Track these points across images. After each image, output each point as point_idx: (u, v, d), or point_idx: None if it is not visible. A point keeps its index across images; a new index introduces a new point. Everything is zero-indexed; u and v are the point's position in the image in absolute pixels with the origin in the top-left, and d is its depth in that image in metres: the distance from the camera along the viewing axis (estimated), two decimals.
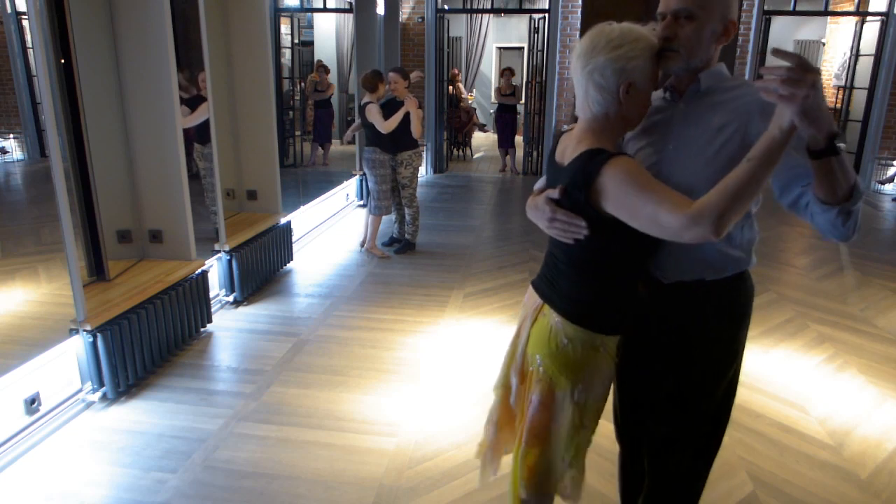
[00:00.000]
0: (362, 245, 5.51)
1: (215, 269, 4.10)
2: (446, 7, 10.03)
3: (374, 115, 5.05)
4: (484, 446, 1.80)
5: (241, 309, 4.18)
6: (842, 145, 1.26)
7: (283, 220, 4.87)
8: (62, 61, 2.97)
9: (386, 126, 5.03)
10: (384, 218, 5.59)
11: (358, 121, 5.51)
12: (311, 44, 10.76)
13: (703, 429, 1.67)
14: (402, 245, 5.50)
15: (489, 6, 10.98)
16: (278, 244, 4.75)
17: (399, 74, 5.15)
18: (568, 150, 1.51)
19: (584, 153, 1.43)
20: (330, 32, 10.82)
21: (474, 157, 11.50)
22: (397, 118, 5.06)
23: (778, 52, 1.24)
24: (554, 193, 1.47)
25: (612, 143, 1.49)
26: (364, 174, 5.54)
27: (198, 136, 3.97)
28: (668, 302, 1.58)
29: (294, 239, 5.15)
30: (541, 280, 1.66)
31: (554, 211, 1.47)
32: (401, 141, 5.18)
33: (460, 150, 11.42)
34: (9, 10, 3.20)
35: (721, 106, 1.50)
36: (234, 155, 4.77)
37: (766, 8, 8.42)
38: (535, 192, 1.61)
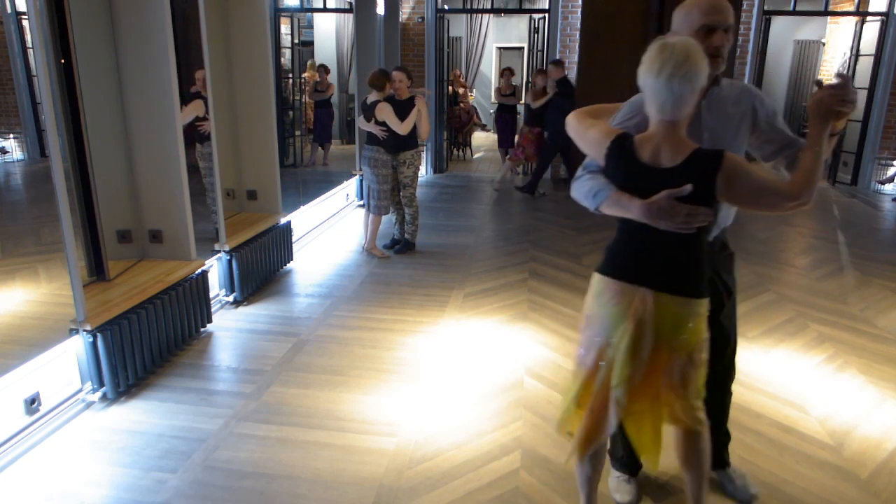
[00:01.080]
0: (364, 246, 5.50)
1: (215, 269, 4.10)
2: (446, 7, 10.02)
3: (387, 114, 5.00)
4: (583, 433, 1.94)
5: (241, 309, 4.18)
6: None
7: (283, 220, 4.87)
8: (62, 61, 2.97)
9: (403, 127, 5.03)
10: (385, 219, 5.58)
11: (359, 118, 5.46)
12: (311, 44, 10.77)
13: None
14: (401, 245, 5.49)
15: (489, 6, 10.99)
16: (278, 244, 4.75)
17: (404, 73, 5.14)
18: (663, 152, 1.75)
19: (698, 152, 1.73)
20: (330, 32, 10.83)
21: (474, 157, 11.51)
22: (413, 118, 5.06)
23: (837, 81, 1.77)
24: (685, 191, 1.69)
25: None
26: (362, 174, 5.47)
27: (194, 134, 3.95)
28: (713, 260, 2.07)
29: (294, 239, 5.15)
30: (645, 273, 1.82)
31: (692, 208, 1.70)
32: (404, 141, 5.16)
33: (460, 150, 11.43)
34: (9, 10, 3.21)
35: (730, 101, 2.01)
36: (234, 155, 4.77)
37: (766, 8, 8.43)
38: (612, 196, 1.81)
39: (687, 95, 1.69)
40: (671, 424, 1.93)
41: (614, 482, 2.41)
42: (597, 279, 1.93)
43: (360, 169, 5.26)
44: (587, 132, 1.92)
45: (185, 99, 3.83)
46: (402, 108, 5.09)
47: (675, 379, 1.85)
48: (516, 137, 8.98)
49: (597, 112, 2.07)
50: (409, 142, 5.20)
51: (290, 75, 8.68)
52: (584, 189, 1.88)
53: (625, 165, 1.80)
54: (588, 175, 1.91)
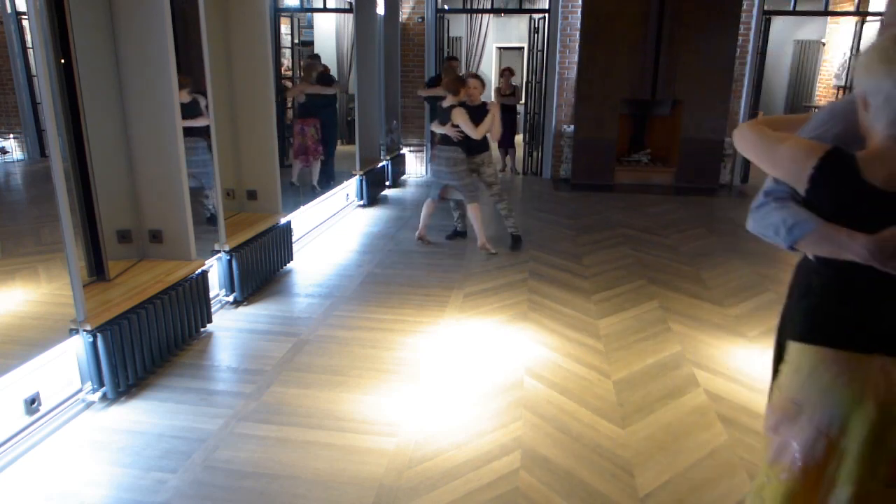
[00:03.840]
0: (419, 237, 5.74)
1: (215, 269, 4.10)
2: (446, 7, 10.02)
3: (462, 118, 5.21)
4: None
5: (241, 309, 4.18)
6: None
7: (283, 220, 4.87)
8: (62, 61, 2.97)
9: (479, 132, 5.27)
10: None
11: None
12: (311, 44, 10.75)
13: None
14: (513, 241, 5.65)
15: (489, 6, 10.98)
16: (278, 244, 4.75)
17: (479, 80, 5.45)
18: None
19: None
20: (330, 32, 10.82)
21: None
22: (487, 124, 5.31)
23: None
24: None
25: None
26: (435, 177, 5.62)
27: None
28: None
29: (294, 239, 5.15)
30: (879, 336, 1.42)
31: None
32: (478, 143, 5.45)
33: None
34: (9, 10, 3.21)
35: None
36: (234, 155, 4.77)
37: (766, 8, 8.42)
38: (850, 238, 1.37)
39: None
40: None
41: None
42: (803, 351, 1.48)
43: (434, 170, 5.48)
44: (776, 146, 1.51)
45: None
46: (476, 113, 5.32)
47: None
48: (516, 137, 8.96)
49: (777, 124, 1.68)
50: (482, 144, 5.49)
51: (291, 75, 8.67)
52: (774, 220, 1.48)
53: (845, 189, 1.38)
54: (776, 203, 1.49)
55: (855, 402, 1.39)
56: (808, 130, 1.59)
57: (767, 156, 1.53)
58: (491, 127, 5.35)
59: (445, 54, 9.53)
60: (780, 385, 1.52)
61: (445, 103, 5.36)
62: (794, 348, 1.51)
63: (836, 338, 1.43)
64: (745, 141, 1.61)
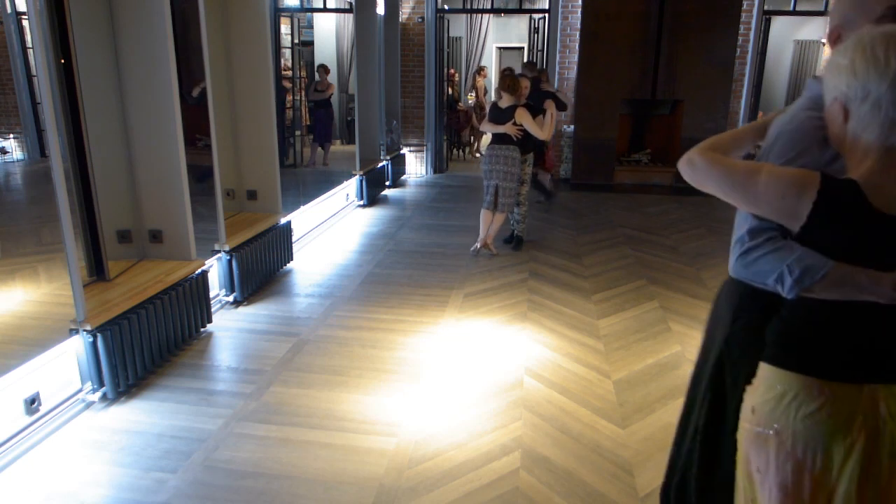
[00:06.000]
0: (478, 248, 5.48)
1: (215, 269, 4.10)
2: (446, 7, 10.02)
3: (527, 118, 5.20)
4: None
5: (241, 309, 4.18)
6: None
7: (283, 220, 4.87)
8: (62, 61, 2.97)
9: (546, 133, 5.36)
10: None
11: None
12: (311, 44, 10.76)
13: None
14: (515, 241, 5.66)
15: (489, 6, 10.99)
16: (278, 244, 4.75)
17: (528, 80, 5.59)
18: None
19: None
20: (330, 32, 10.82)
21: (476, 155, 11.52)
22: (550, 124, 5.40)
23: None
24: None
25: None
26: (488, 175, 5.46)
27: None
28: None
29: (294, 239, 5.15)
30: (872, 365, 1.29)
31: None
32: (529, 142, 5.45)
33: (461, 150, 11.45)
34: (9, 10, 3.20)
35: None
36: (234, 155, 4.77)
37: (766, 8, 8.43)
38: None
39: None
40: None
41: None
42: (783, 378, 1.32)
43: (485, 170, 5.40)
44: (752, 180, 1.30)
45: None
46: (504, 114, 5.32)
47: None
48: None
49: (725, 144, 1.50)
50: (529, 144, 5.50)
51: (291, 75, 8.67)
52: (773, 267, 1.29)
53: (855, 222, 1.20)
54: (770, 245, 1.30)
55: (840, 433, 1.27)
56: (775, 154, 1.38)
57: (741, 192, 1.33)
58: (547, 125, 5.42)
59: (446, 54, 9.53)
60: (759, 412, 1.36)
61: (503, 103, 5.32)
62: (774, 374, 1.34)
63: (826, 368, 1.29)
64: (701, 174, 1.39)
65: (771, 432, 1.32)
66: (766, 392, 1.35)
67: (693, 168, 1.40)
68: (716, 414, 1.64)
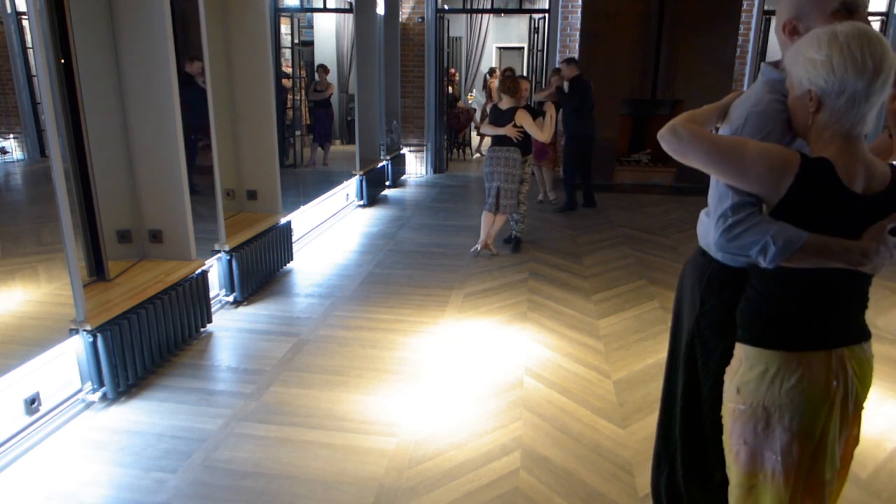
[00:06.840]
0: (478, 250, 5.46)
1: (215, 269, 4.10)
2: (446, 7, 10.03)
3: (528, 120, 5.20)
4: None
5: (241, 309, 4.18)
6: None
7: (283, 220, 4.87)
8: (62, 61, 2.97)
9: (545, 136, 5.31)
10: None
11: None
12: (311, 44, 10.76)
13: None
14: (514, 243, 5.64)
15: (489, 6, 10.99)
16: (278, 244, 4.75)
17: (527, 82, 5.59)
18: (859, 175, 1.33)
19: None
20: (330, 32, 10.82)
21: (474, 157, 11.53)
22: (551, 126, 5.37)
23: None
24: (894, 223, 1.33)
25: None
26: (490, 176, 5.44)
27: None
28: None
29: (294, 239, 5.15)
30: (838, 330, 1.44)
31: None
32: (529, 143, 5.46)
33: (461, 150, 11.46)
34: (9, 10, 3.20)
35: None
36: (234, 155, 4.77)
37: (766, 8, 8.43)
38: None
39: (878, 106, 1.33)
40: None
41: None
42: (763, 356, 1.43)
43: (486, 171, 5.35)
44: (740, 152, 1.38)
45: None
46: (504, 116, 5.33)
47: (851, 449, 1.52)
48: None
49: (702, 117, 1.64)
50: (529, 146, 5.50)
51: (291, 75, 8.67)
52: (756, 239, 1.35)
53: (829, 197, 1.33)
54: (750, 218, 1.37)
55: (821, 399, 1.39)
56: (745, 136, 1.46)
57: (729, 163, 1.38)
58: (548, 127, 5.40)
59: (446, 54, 9.54)
60: (744, 391, 1.45)
61: (503, 105, 5.32)
62: (756, 354, 1.44)
63: (803, 340, 1.40)
64: (687, 145, 1.43)
65: (760, 409, 1.43)
66: (747, 372, 1.45)
67: (678, 138, 1.45)
68: (693, 398, 1.75)
